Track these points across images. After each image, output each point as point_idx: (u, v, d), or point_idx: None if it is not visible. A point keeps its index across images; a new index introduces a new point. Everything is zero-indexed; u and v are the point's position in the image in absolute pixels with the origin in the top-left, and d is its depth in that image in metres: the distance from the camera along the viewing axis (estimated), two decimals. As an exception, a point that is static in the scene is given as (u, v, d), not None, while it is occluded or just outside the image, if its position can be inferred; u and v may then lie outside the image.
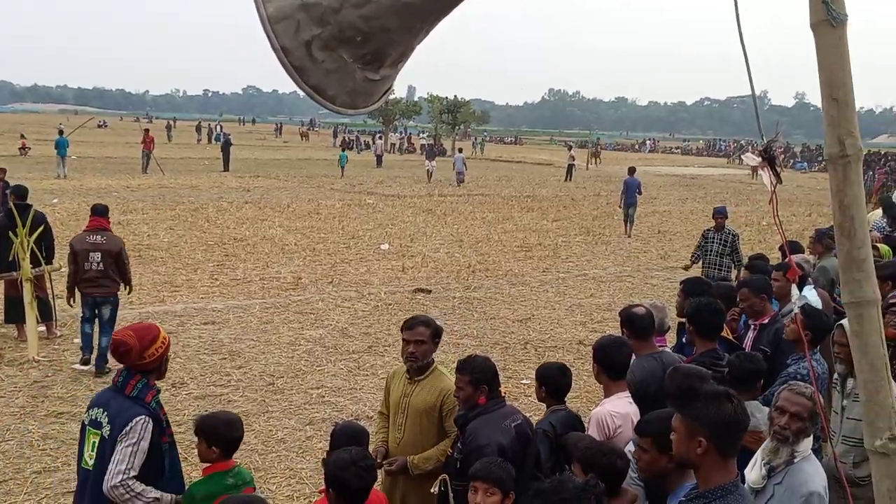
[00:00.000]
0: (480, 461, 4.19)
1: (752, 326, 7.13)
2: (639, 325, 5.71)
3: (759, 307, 7.08)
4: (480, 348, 11.39)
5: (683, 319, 6.88)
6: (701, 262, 13.39)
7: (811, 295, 7.68)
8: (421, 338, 5.14)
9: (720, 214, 13.40)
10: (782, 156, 75.15)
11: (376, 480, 4.19)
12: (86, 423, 4.62)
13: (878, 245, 9.73)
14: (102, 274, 10.23)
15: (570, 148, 59.55)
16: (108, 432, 4.43)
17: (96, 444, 4.49)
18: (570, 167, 47.43)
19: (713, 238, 13.17)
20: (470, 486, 4.03)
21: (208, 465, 4.56)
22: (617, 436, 4.77)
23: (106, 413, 4.49)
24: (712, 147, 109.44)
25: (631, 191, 24.65)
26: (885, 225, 13.55)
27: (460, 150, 46.04)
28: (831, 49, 1.84)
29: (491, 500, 3.95)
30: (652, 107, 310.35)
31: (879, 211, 14.72)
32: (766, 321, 6.98)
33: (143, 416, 4.43)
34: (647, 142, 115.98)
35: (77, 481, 4.76)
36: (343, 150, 51.22)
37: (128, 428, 4.38)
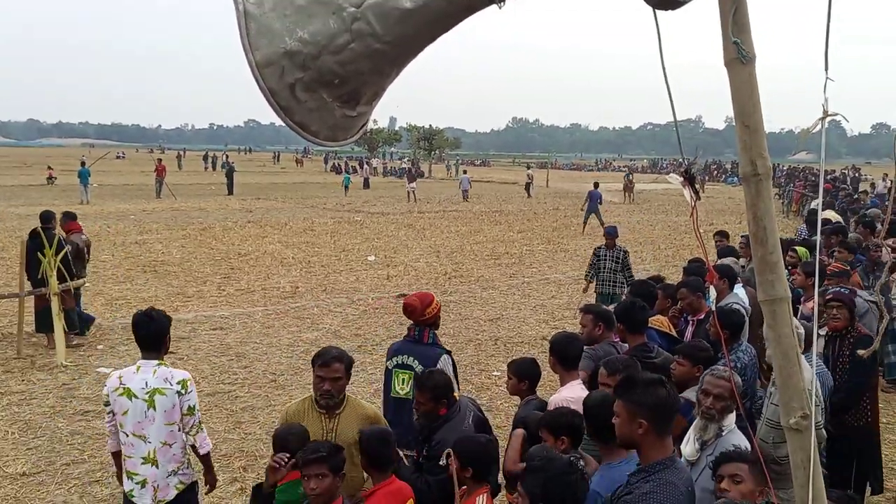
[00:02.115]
0: (461, 437, 4.28)
1: (691, 322, 7.20)
2: (601, 315, 5.87)
3: (697, 304, 7.16)
4: (457, 345, 11.41)
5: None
6: (595, 280, 12.32)
7: (741, 292, 7.77)
8: (337, 374, 4.53)
9: (610, 234, 12.51)
10: (715, 172, 75.85)
11: None
12: (391, 367, 5.55)
13: (797, 248, 9.88)
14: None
15: (528, 167, 59.77)
16: (421, 370, 5.23)
17: (407, 380, 5.40)
18: (528, 185, 47.97)
19: (605, 256, 12.21)
20: (451, 454, 4.09)
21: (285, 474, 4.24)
22: None
23: (412, 357, 5.45)
24: (655, 166, 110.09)
25: (593, 200, 29.06)
26: (804, 231, 13.75)
27: (465, 172, 49.64)
28: (742, 83, 1.87)
29: (466, 472, 4.02)
30: (602, 131, 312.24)
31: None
32: (702, 317, 7.07)
33: (446, 355, 5.56)
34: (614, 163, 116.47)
35: (387, 410, 5.50)
36: (347, 174, 51.74)
37: (439, 364, 5.35)
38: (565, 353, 5.13)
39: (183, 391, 4.86)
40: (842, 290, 6.44)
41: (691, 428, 4.42)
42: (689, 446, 4.32)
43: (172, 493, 4.90)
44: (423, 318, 5.60)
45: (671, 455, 3.40)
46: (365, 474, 4.48)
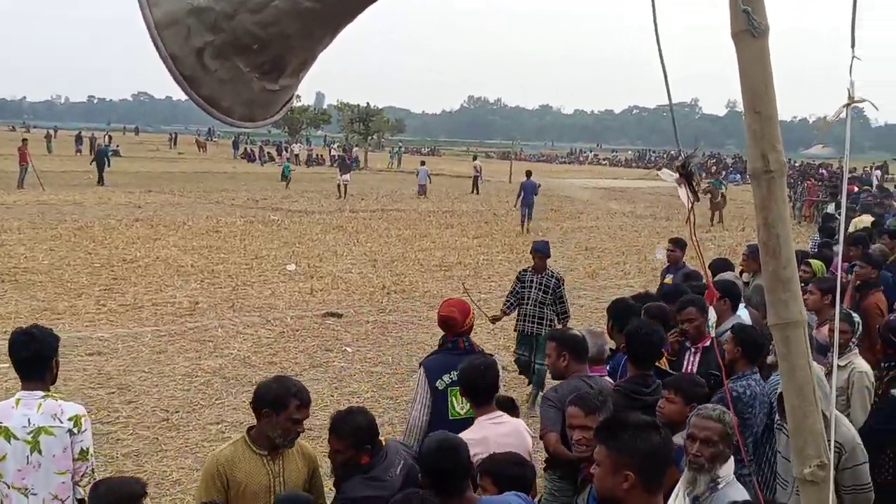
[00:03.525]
0: (403, 493, 4.18)
1: (693, 350, 7.07)
2: (576, 346, 5.89)
3: (704, 328, 6.95)
4: (396, 376, 11.41)
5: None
6: (517, 313, 11.09)
7: (744, 314, 7.90)
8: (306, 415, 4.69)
9: (539, 252, 11.09)
10: (713, 167, 77.04)
11: None
12: (442, 388, 5.91)
13: (811, 261, 10.11)
14: None
15: (474, 158, 59.87)
16: None
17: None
18: (476, 178, 48.42)
19: (530, 282, 10.93)
20: None
21: None
22: (476, 458, 4.80)
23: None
24: (642, 158, 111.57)
25: (528, 192, 29.98)
26: (818, 239, 14.06)
27: (422, 164, 49.66)
28: (753, 60, 1.89)
29: None
30: (578, 115, 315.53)
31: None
32: (707, 344, 6.90)
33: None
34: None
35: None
36: (287, 162, 52.11)
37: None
38: (475, 386, 5.22)
39: (76, 430, 4.73)
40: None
41: (679, 482, 4.43)
42: (676, 503, 4.35)
43: None
44: (462, 329, 6.17)
45: None
46: None
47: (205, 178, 49.96)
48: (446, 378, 5.88)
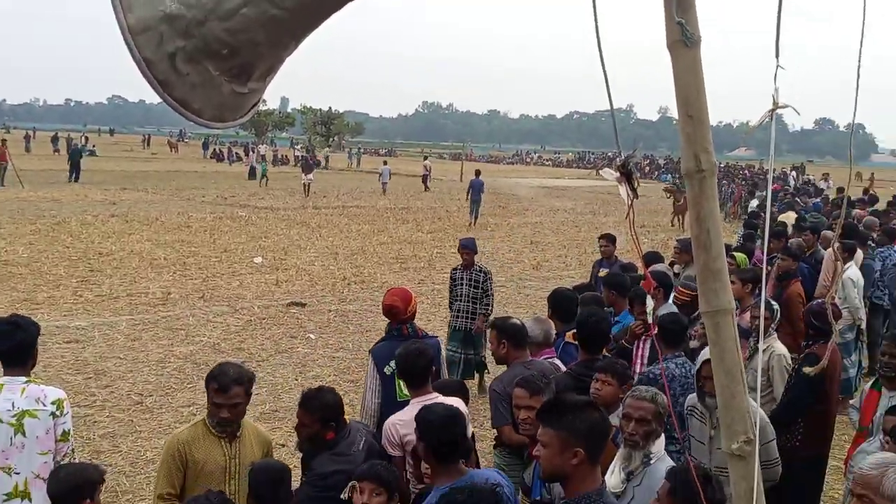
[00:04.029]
0: (367, 463, 4.21)
1: (644, 337, 7.11)
2: (514, 333, 5.86)
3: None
4: (356, 361, 11.35)
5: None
6: (450, 308, 10.74)
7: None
8: (237, 400, 4.49)
9: (467, 249, 10.60)
10: (647, 168, 77.75)
11: None
12: (389, 373, 5.86)
13: (735, 254, 10.25)
14: None
15: (425, 158, 60.33)
16: None
17: None
18: (425, 177, 48.99)
19: (461, 278, 10.50)
20: (356, 487, 4.00)
21: None
22: (406, 442, 4.89)
23: None
24: (582, 159, 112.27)
25: (476, 189, 30.89)
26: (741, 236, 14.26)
27: (385, 163, 50.91)
28: (686, 69, 1.90)
29: (377, 500, 3.95)
30: (524, 119, 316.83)
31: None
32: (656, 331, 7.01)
33: (437, 341, 6.50)
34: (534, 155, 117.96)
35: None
36: (263, 163, 51.53)
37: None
38: (409, 370, 5.22)
39: (58, 413, 4.73)
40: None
41: (616, 457, 4.46)
42: (613, 477, 4.35)
43: None
44: (405, 316, 6.18)
45: (600, 487, 3.41)
46: None
47: (176, 176, 49.35)
48: (392, 364, 5.82)
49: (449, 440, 4.06)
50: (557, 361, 6.17)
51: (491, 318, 9.63)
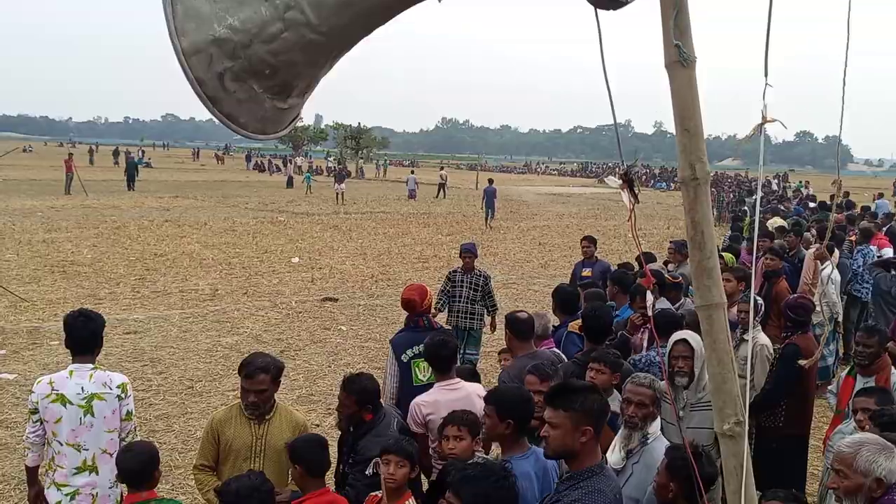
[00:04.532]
0: (392, 438, 4.23)
1: (644, 329, 6.95)
2: (519, 327, 5.82)
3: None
4: (383, 350, 11.33)
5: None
6: (447, 310, 10.14)
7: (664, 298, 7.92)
8: (262, 386, 4.49)
9: (468, 252, 10.14)
10: (643, 177, 77.40)
11: None
12: (406, 360, 5.91)
13: (723, 254, 10.19)
14: None
15: (441, 168, 60.24)
16: None
17: (427, 367, 5.62)
18: (442, 185, 48.51)
19: (461, 281, 10.02)
20: (382, 459, 4.01)
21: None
22: (428, 421, 4.87)
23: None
24: (585, 169, 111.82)
25: (489, 196, 31.36)
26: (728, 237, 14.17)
27: (413, 172, 52.29)
28: (683, 86, 1.89)
29: (401, 471, 3.95)
30: (532, 134, 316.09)
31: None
32: None
33: (454, 338, 6.05)
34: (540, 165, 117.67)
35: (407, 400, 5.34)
36: (309, 172, 52.23)
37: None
38: (437, 356, 5.20)
39: (123, 395, 4.82)
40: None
41: (616, 437, 4.47)
42: (614, 455, 4.36)
43: None
44: (422, 309, 6.21)
45: (600, 461, 3.41)
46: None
47: (222, 186, 49.58)
48: (409, 352, 5.88)
49: (523, 416, 4.00)
50: (558, 351, 6.16)
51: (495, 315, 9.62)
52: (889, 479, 3.42)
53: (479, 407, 4.96)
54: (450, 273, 10.41)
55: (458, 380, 5.17)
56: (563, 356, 6.02)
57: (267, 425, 4.57)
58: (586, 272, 10.57)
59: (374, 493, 4.14)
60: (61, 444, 4.69)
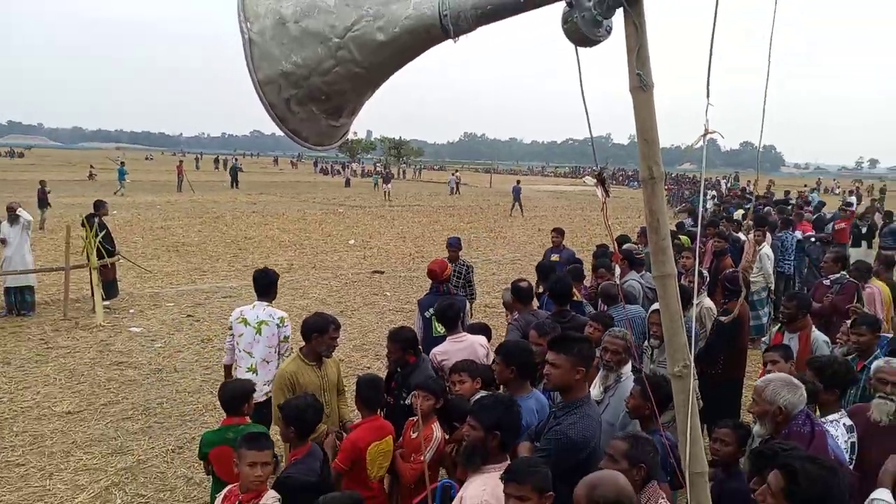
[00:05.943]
0: (422, 377, 4.28)
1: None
2: (521, 293, 5.81)
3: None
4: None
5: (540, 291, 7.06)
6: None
7: (635, 273, 7.84)
8: (335, 335, 4.62)
9: (452, 246, 9.07)
10: (620, 178, 76.54)
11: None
12: (428, 316, 5.94)
13: (680, 237, 10.07)
14: None
15: (455, 171, 59.93)
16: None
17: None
18: (458, 184, 47.61)
19: None
20: (414, 393, 4.08)
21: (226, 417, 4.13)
22: (443, 365, 4.83)
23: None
24: (575, 172, 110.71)
25: (516, 192, 32.12)
26: (689, 223, 13.98)
27: (454, 174, 50.94)
28: (643, 106, 1.87)
29: (427, 403, 3.99)
30: (534, 144, 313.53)
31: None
32: None
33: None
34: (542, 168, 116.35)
35: (428, 347, 5.31)
36: (375, 174, 52.06)
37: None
38: (444, 316, 5.19)
39: (281, 324, 5.37)
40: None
41: (597, 376, 4.47)
42: (595, 390, 4.37)
43: (262, 398, 5.13)
44: (442, 278, 6.31)
45: (587, 394, 3.46)
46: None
47: (296, 185, 49.79)
48: (430, 311, 5.93)
49: (524, 363, 3.96)
50: (542, 312, 6.12)
51: (476, 299, 9.38)
52: (789, 409, 3.38)
53: (480, 354, 4.99)
54: None
55: (463, 333, 5.17)
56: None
57: (325, 368, 4.65)
58: (555, 257, 10.32)
59: (411, 418, 4.17)
60: (240, 351, 5.36)
